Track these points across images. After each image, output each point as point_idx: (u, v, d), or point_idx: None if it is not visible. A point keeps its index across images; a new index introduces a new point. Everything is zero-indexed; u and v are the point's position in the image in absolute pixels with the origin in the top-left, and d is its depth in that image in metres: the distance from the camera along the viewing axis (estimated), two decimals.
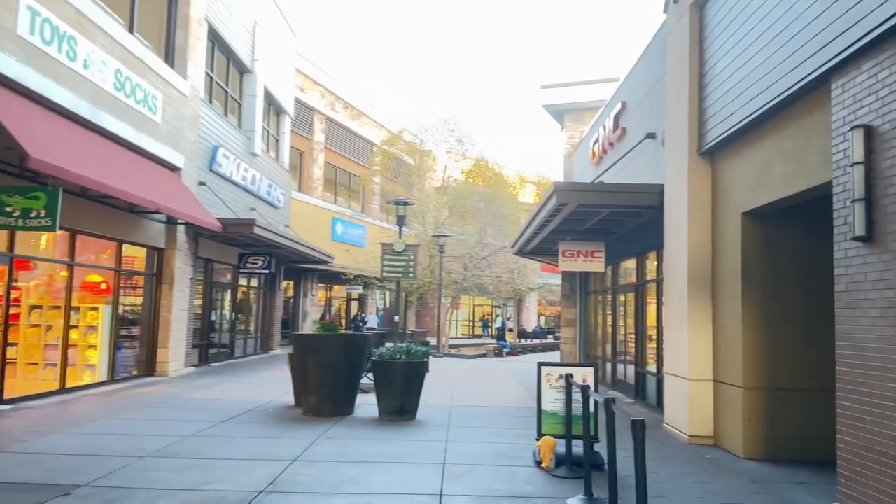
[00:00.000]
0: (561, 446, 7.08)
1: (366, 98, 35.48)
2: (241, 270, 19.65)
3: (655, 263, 11.83)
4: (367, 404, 11.18)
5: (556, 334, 42.20)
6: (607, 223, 13.19)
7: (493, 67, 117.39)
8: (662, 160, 10.48)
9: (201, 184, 16.73)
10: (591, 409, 7.33)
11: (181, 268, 15.64)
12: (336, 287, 34.23)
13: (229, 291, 20.38)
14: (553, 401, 7.47)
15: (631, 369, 13.43)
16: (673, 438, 9.01)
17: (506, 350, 27.41)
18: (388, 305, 40.29)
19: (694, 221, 8.93)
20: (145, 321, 15.07)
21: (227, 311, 20.34)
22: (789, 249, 7.99)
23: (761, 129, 7.50)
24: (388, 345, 11.72)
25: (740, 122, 7.73)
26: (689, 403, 8.78)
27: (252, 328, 22.70)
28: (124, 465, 6.77)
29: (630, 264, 13.79)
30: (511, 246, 19.62)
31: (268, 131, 23.08)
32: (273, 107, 23.50)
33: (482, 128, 73.25)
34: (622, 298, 14.62)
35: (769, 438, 7.78)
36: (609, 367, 15.54)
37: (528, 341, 34.77)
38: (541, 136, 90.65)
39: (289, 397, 11.69)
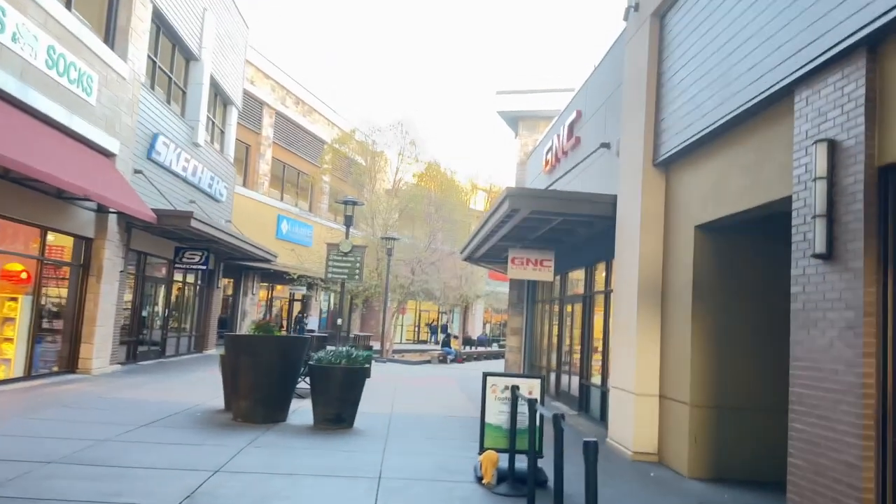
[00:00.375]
0: (504, 461, 6.75)
1: (318, 95, 34.81)
2: (177, 265, 18.79)
3: (604, 275, 11.68)
4: (302, 410, 10.66)
5: (502, 342, 42.16)
6: (558, 232, 13.00)
7: (452, 70, 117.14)
8: (616, 170, 10.32)
9: (137, 172, 15.90)
10: (537, 423, 7.04)
11: (111, 259, 14.77)
12: (279, 287, 33.35)
13: (163, 287, 19.47)
14: (497, 413, 7.14)
15: (576, 381, 13.25)
16: (617, 454, 8.79)
17: (450, 357, 27.09)
18: (332, 308, 39.53)
19: (646, 233, 8.76)
20: (69, 315, 14.16)
21: (160, 308, 19.42)
22: (743, 264, 7.87)
23: (719, 141, 7.36)
24: (329, 348, 11.24)
25: (698, 133, 7.57)
26: (634, 419, 8.58)
27: (186, 326, 21.76)
28: (25, 471, 6.12)
29: (579, 275, 13.63)
30: (461, 251, 19.32)
31: (213, 122, 22.25)
32: (220, 97, 22.67)
33: (437, 131, 72.75)
34: (569, 309, 14.46)
35: (716, 458, 7.62)
36: (553, 377, 15.35)
37: (473, 349, 34.57)
38: (495, 143, 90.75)
39: (219, 401, 11.06)
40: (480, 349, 35.58)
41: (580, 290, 13.35)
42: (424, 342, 43.82)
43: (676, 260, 8.33)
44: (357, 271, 17.66)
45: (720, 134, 7.28)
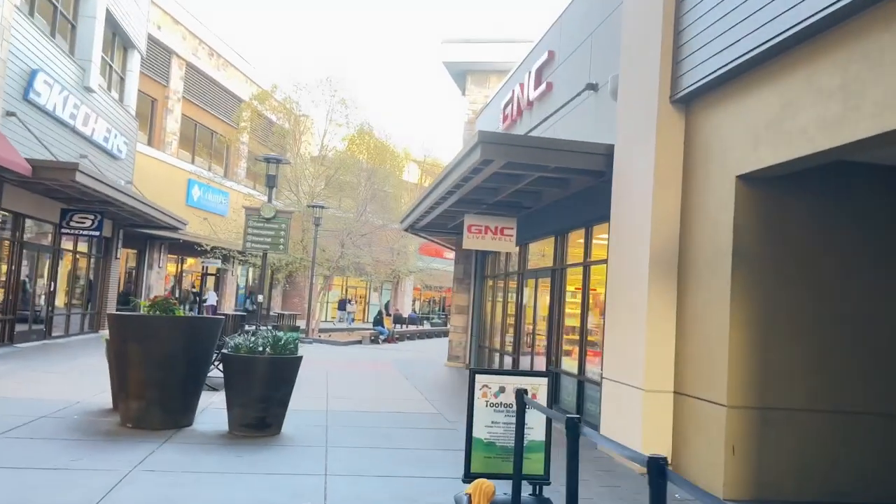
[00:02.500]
0: (502, 488, 4.83)
1: (235, 48, 31.60)
2: (64, 230, 15.83)
3: (583, 244, 9.88)
4: (213, 408, 8.41)
5: (434, 320, 40.43)
6: (522, 195, 11.14)
7: (390, 20, 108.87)
8: (608, 116, 8.49)
9: (10, 115, 12.97)
10: (540, 437, 5.15)
11: None
12: (190, 260, 30.24)
13: (48, 256, 16.47)
14: (489, 425, 5.18)
15: (540, 366, 11.50)
16: (618, 465, 7.03)
17: (382, 337, 25.03)
18: (249, 283, 36.59)
19: (662, 188, 6.96)
20: None
21: (44, 281, 16.43)
22: (802, 225, 6.18)
23: (785, 60, 5.56)
24: (249, 329, 8.99)
25: (747, 53, 5.76)
26: (642, 421, 6.83)
27: (78, 302, 18.76)
28: None
29: (545, 245, 11.83)
30: (401, 221, 17.22)
31: (110, 66, 19.13)
32: (119, 38, 19.52)
33: (371, 90, 68.34)
34: (531, 284, 12.67)
35: (760, 474, 5.94)
36: (509, 361, 13.59)
37: (405, 327, 32.60)
38: (437, 107, 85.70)
39: (106, 397, 8.67)
40: (412, 328, 33.65)
41: (547, 262, 11.56)
42: (334, 321, 41.35)
43: (705, 221, 6.56)
44: (282, 240, 15.22)
45: (788, 48, 5.48)
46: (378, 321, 26.18)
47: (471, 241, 11.94)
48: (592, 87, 9.17)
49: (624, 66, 7.97)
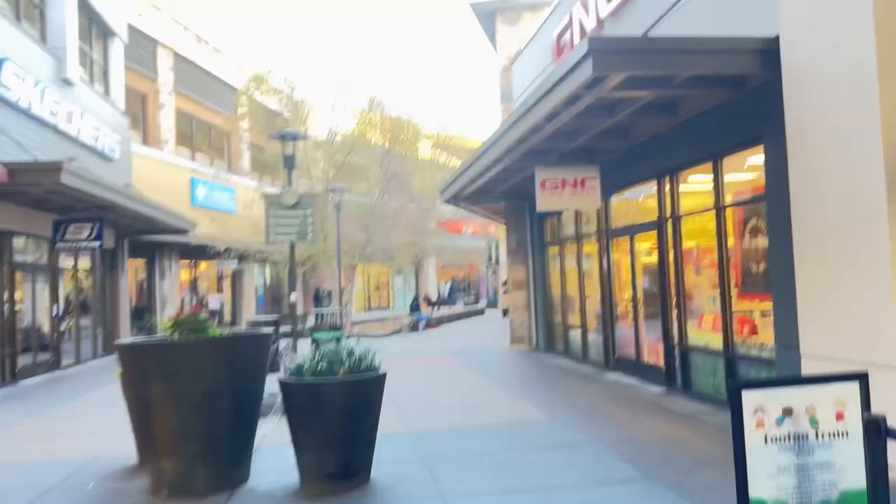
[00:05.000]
0: None
1: (224, 31, 29.23)
2: (60, 244, 13.75)
3: (710, 182, 7.72)
4: (271, 445, 6.36)
5: (466, 301, 38.46)
6: (607, 136, 8.99)
7: None
8: (745, 5, 6.29)
9: None
10: (859, 483, 3.08)
11: None
12: (204, 264, 28.20)
13: (45, 276, 14.42)
14: (775, 473, 3.07)
15: (648, 341, 9.43)
16: None
17: (422, 323, 22.99)
18: (268, 283, 34.56)
19: (891, 82, 4.78)
20: None
21: (45, 304, 14.41)
22: None
23: None
24: (283, 343, 6.91)
25: None
26: None
27: (87, 324, 16.76)
28: None
29: (644, 194, 9.69)
30: (441, 191, 15.08)
31: (90, 57, 16.94)
32: (95, 25, 17.29)
33: (381, 60, 64.30)
34: (620, 244, 10.54)
35: None
36: (596, 339, 11.53)
37: (437, 310, 30.56)
38: (454, 81, 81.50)
39: (129, 445, 6.62)
40: (446, 310, 31.62)
41: (647, 215, 9.42)
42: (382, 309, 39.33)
43: None
44: (309, 227, 13.10)
45: None
46: (415, 308, 24.12)
47: (546, 200, 9.80)
48: None
49: None
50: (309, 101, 26.48)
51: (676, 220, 8.57)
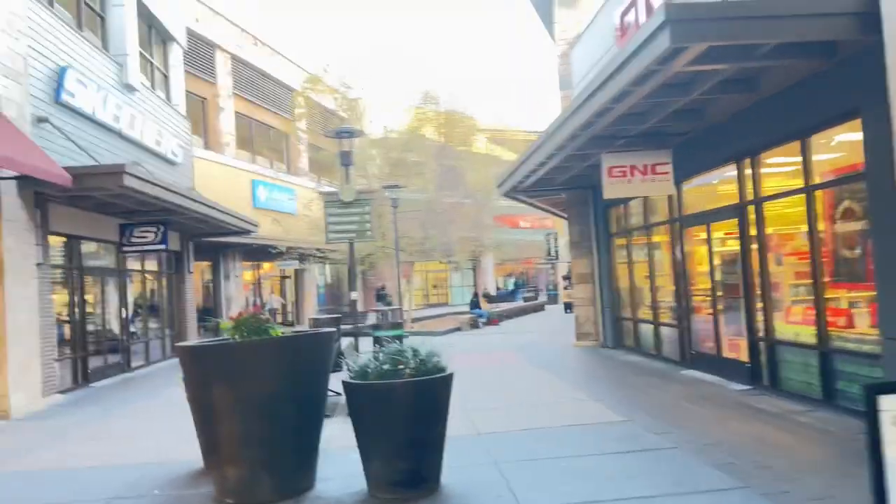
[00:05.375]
0: None
1: (280, 34, 29.46)
2: (126, 247, 13.98)
3: (800, 163, 7.12)
4: (336, 449, 6.11)
5: (525, 295, 37.93)
6: (677, 117, 8.47)
7: None
8: None
9: (41, 121, 11.04)
10: None
11: (15, 250, 10.01)
12: (267, 265, 28.58)
13: (114, 279, 14.71)
14: None
15: (729, 335, 8.84)
16: None
17: (482, 320, 22.64)
18: (329, 282, 34.84)
19: None
20: None
21: (115, 307, 14.70)
22: None
23: None
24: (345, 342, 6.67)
25: None
26: None
27: (156, 326, 17.08)
28: None
29: (720, 179, 9.11)
30: (498, 185, 14.71)
31: (151, 62, 17.21)
32: (156, 31, 17.57)
33: (434, 54, 64.12)
34: (695, 232, 9.96)
35: None
36: (670, 333, 10.96)
37: (496, 306, 30.15)
38: (509, 73, 79.92)
39: (195, 449, 6.49)
40: (505, 305, 31.15)
41: (726, 199, 8.83)
42: (442, 305, 39.21)
43: None
44: (368, 225, 12.93)
45: None
46: (475, 304, 23.78)
47: (613, 188, 9.32)
48: None
49: None
50: (364, 100, 26.49)
51: (759, 204, 7.97)
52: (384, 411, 4.99)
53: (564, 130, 8.75)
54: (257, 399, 5.02)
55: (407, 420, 4.98)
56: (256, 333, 5.11)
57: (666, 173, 9.18)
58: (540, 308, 31.21)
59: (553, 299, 36.35)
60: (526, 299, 34.70)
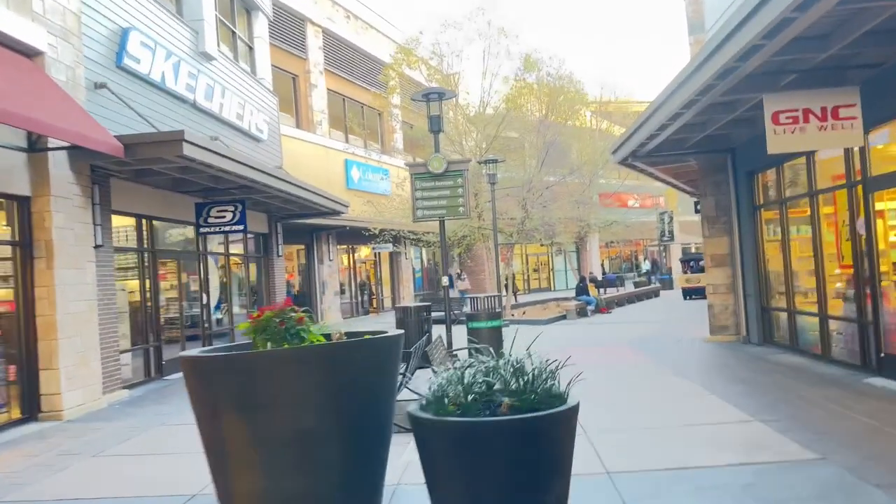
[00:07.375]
0: None
1: (372, 5, 28.11)
2: (202, 229, 12.90)
3: None
4: (413, 486, 4.41)
5: (635, 280, 35.19)
6: (875, 40, 6.16)
7: None
8: None
9: (100, 86, 9.98)
10: None
11: (65, 229, 8.94)
12: (361, 249, 27.52)
13: (193, 263, 13.73)
14: None
15: None
16: None
17: (591, 308, 20.46)
18: (425, 265, 33.53)
19: None
20: (12, 325, 8.53)
21: (194, 293, 13.74)
22: None
23: None
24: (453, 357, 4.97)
25: None
26: None
27: (241, 312, 16.12)
28: None
29: None
30: (613, 151, 12.57)
31: (234, 32, 16.15)
32: None
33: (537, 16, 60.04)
34: (885, 199, 7.54)
35: None
36: (839, 328, 8.57)
37: (604, 291, 27.76)
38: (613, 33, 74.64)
39: None
40: (613, 291, 28.69)
41: None
42: (545, 290, 37.13)
43: None
44: (461, 200, 11.13)
45: None
46: (582, 290, 21.61)
47: (780, 140, 7.06)
48: None
49: None
50: (458, 70, 24.74)
51: None
52: (468, 463, 3.21)
53: (704, 72, 6.63)
54: (286, 436, 3.38)
55: (502, 477, 3.18)
56: (281, 339, 3.44)
57: (854, 118, 6.84)
58: (655, 294, 28.51)
59: (667, 284, 33.38)
60: (636, 284, 31.95)
